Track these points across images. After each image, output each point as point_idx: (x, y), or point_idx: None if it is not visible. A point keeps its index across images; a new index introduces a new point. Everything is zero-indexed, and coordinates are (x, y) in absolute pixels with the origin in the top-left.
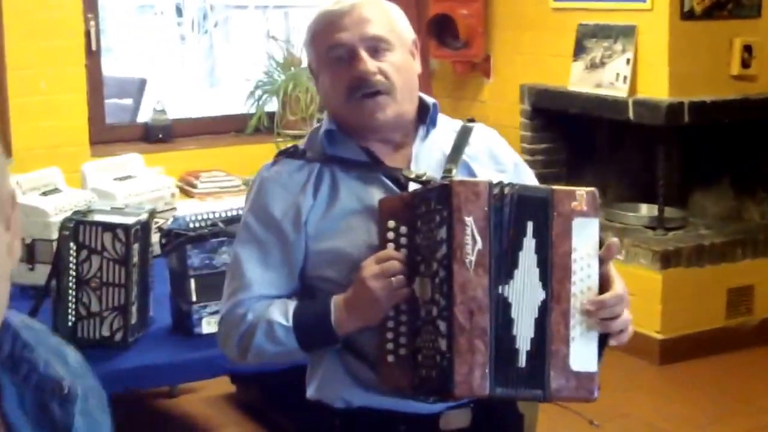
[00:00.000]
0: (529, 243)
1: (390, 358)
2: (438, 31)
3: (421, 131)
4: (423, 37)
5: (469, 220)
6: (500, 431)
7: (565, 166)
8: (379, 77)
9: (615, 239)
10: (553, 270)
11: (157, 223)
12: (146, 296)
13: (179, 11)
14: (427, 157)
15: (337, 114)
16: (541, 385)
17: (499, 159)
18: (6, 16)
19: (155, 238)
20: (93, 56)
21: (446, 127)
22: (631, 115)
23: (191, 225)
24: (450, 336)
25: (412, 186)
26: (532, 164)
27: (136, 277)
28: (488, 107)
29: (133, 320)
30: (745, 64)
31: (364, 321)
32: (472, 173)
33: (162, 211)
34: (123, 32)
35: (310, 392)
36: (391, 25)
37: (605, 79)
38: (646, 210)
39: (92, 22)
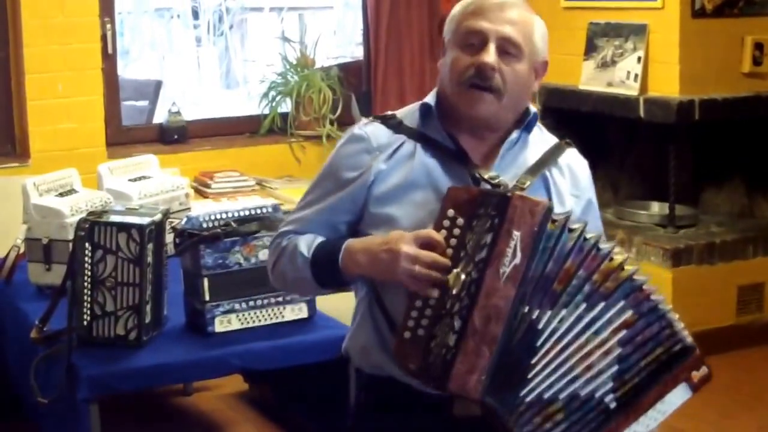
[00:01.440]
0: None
1: (407, 335)
2: None
3: (515, 134)
4: (434, 35)
5: (516, 234)
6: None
7: None
8: (496, 75)
9: None
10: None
11: (171, 223)
12: (160, 295)
13: (195, 14)
14: (510, 162)
15: (445, 92)
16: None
17: (579, 186)
18: (25, 19)
19: (169, 238)
20: (109, 59)
21: (542, 140)
22: (642, 113)
23: (204, 225)
24: (461, 334)
25: (484, 185)
26: None
27: (150, 277)
28: None
29: (147, 319)
30: (756, 61)
31: (369, 273)
32: (548, 189)
33: (177, 212)
34: (140, 35)
35: (344, 344)
36: (529, 36)
37: (616, 77)
38: (657, 208)
39: (108, 26)
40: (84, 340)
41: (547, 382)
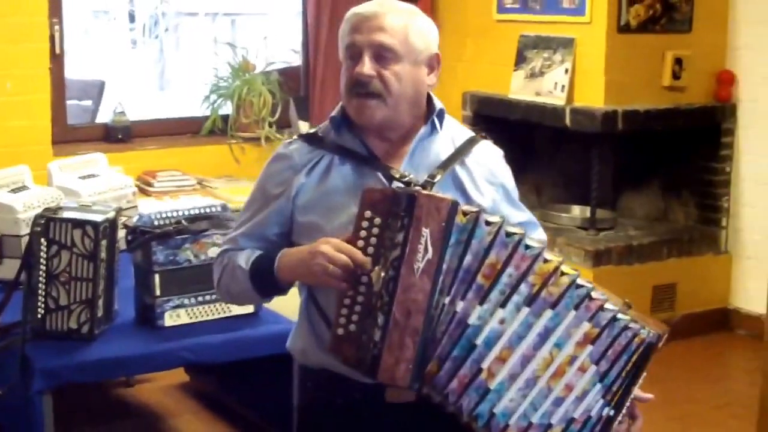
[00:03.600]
0: (506, 280)
1: (340, 331)
2: None
3: (423, 131)
4: None
5: (425, 231)
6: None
7: None
8: (375, 81)
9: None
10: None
11: (121, 220)
12: (112, 290)
13: (132, 17)
14: (421, 157)
15: (343, 103)
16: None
17: (495, 173)
18: None
19: (120, 234)
20: (57, 59)
21: (454, 134)
22: (568, 122)
23: (156, 222)
24: (385, 329)
25: (396, 184)
26: None
27: (103, 272)
28: None
29: (100, 313)
30: (675, 75)
31: (298, 278)
32: (457, 181)
33: (124, 209)
34: (78, 36)
35: (288, 343)
36: (404, 38)
37: (544, 87)
38: (579, 211)
39: (57, 27)
40: (38, 333)
41: (527, 402)
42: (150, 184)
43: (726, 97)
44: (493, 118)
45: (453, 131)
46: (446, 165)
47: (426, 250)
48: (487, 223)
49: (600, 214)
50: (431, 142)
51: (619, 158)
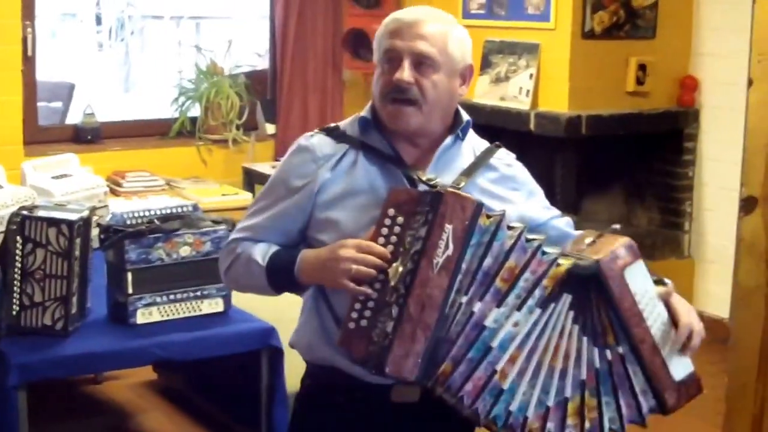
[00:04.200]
0: (559, 310)
1: (351, 325)
2: (353, 44)
3: (449, 140)
4: (337, 48)
5: (448, 227)
6: (446, 410)
7: None
8: (414, 88)
9: (670, 283)
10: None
11: (94, 219)
12: (85, 288)
13: (99, 20)
14: (445, 165)
15: (376, 108)
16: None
17: (517, 179)
18: None
19: (94, 233)
20: (29, 61)
21: (475, 144)
22: (532, 126)
23: (129, 222)
24: (398, 321)
25: (422, 187)
26: None
27: (77, 270)
28: None
29: (74, 310)
30: (639, 81)
31: (319, 280)
32: (479, 188)
33: (96, 208)
34: (45, 39)
35: (290, 338)
36: (443, 47)
37: (509, 92)
38: None
39: (29, 29)
40: (13, 329)
41: (537, 390)
42: (119, 185)
43: (689, 102)
44: None
45: (474, 141)
46: (469, 172)
47: (447, 246)
48: (509, 228)
49: None
50: (455, 151)
51: (583, 163)
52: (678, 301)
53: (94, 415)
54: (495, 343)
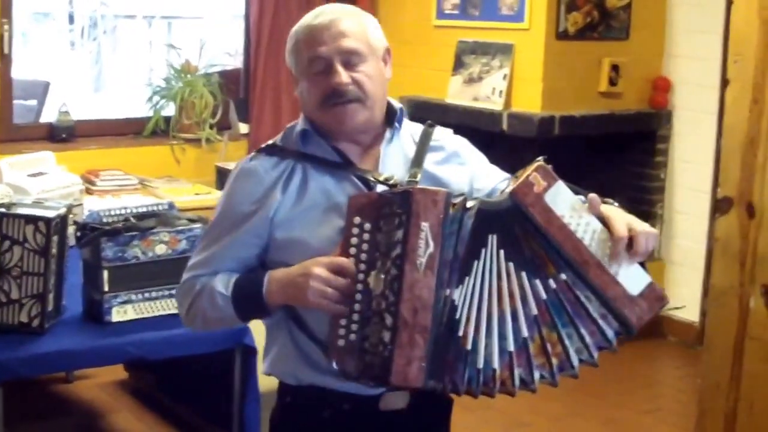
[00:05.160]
0: (490, 252)
1: (340, 342)
2: None
3: (388, 134)
4: None
5: (425, 225)
6: (433, 414)
7: None
8: (352, 87)
9: (591, 195)
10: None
11: (70, 216)
12: (61, 285)
13: (72, 19)
14: (392, 159)
15: (312, 117)
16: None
17: (461, 154)
18: None
19: (70, 230)
20: (5, 59)
21: (409, 130)
22: (505, 126)
23: (105, 219)
24: (394, 329)
25: (380, 188)
26: None
27: (53, 267)
28: None
29: (50, 307)
30: (612, 82)
31: (291, 299)
32: (431, 174)
33: (72, 206)
34: (18, 37)
35: (265, 367)
36: (365, 37)
37: (482, 93)
38: None
39: (6, 27)
40: None
41: (495, 337)
42: (93, 183)
43: (662, 103)
44: None
45: (409, 128)
46: (419, 162)
47: (427, 244)
48: (468, 208)
49: None
50: (396, 143)
51: (555, 163)
52: (609, 209)
53: (65, 414)
54: (459, 315)
